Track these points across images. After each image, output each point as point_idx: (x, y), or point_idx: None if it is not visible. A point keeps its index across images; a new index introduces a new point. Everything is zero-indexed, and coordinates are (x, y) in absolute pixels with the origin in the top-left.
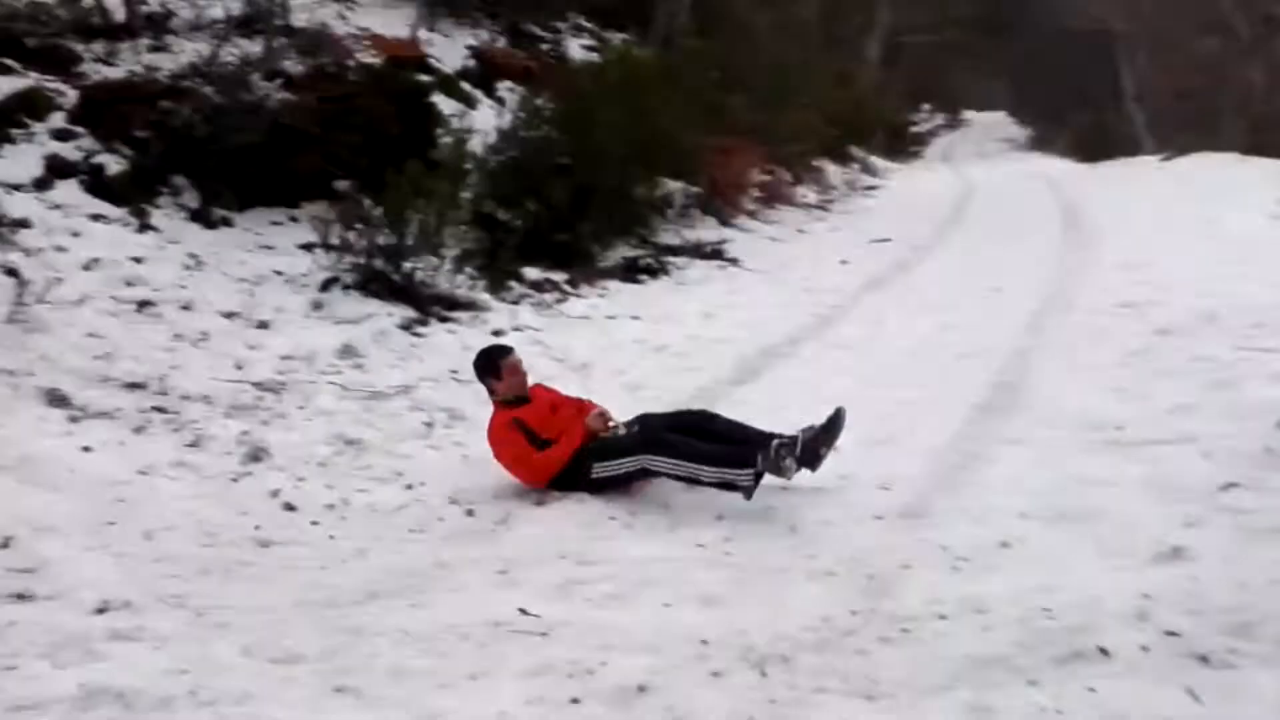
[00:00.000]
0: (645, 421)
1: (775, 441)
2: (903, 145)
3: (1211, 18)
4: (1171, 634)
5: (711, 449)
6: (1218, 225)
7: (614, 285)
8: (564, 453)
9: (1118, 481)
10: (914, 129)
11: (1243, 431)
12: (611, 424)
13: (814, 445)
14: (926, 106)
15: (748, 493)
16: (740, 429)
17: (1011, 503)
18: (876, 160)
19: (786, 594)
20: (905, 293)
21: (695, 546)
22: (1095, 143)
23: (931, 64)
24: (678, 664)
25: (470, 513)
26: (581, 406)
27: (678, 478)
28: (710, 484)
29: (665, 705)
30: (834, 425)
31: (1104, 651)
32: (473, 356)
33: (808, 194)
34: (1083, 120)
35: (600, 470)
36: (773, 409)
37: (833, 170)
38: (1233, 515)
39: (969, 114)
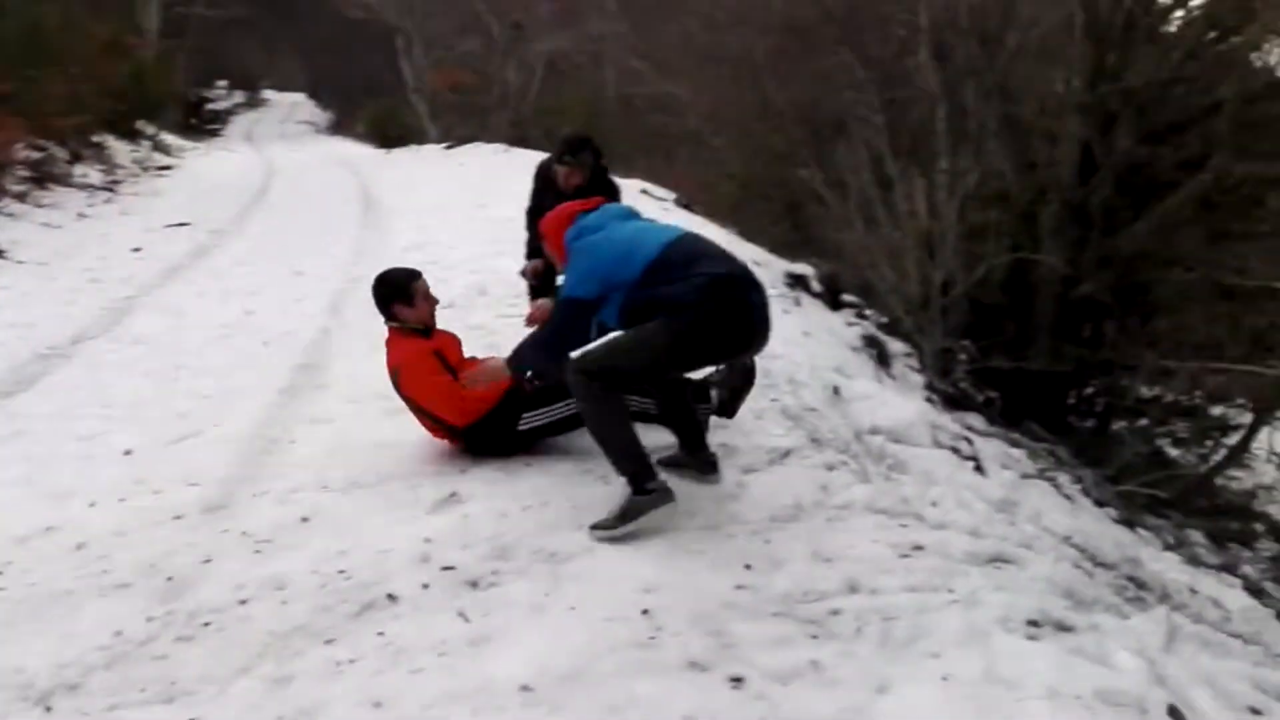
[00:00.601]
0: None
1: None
2: (199, 123)
3: (469, 20)
4: (448, 568)
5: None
6: (486, 209)
7: None
8: (495, 390)
9: (403, 443)
10: (211, 106)
11: None
12: None
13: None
14: (223, 83)
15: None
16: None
17: (313, 479)
18: (170, 138)
19: (73, 618)
20: (207, 280)
21: None
22: (389, 129)
23: (222, 39)
24: None
25: None
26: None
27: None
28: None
29: None
30: (748, 375)
31: (392, 597)
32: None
33: (89, 174)
34: (377, 106)
35: (530, 420)
36: (59, 416)
37: (119, 148)
38: None
39: (269, 94)
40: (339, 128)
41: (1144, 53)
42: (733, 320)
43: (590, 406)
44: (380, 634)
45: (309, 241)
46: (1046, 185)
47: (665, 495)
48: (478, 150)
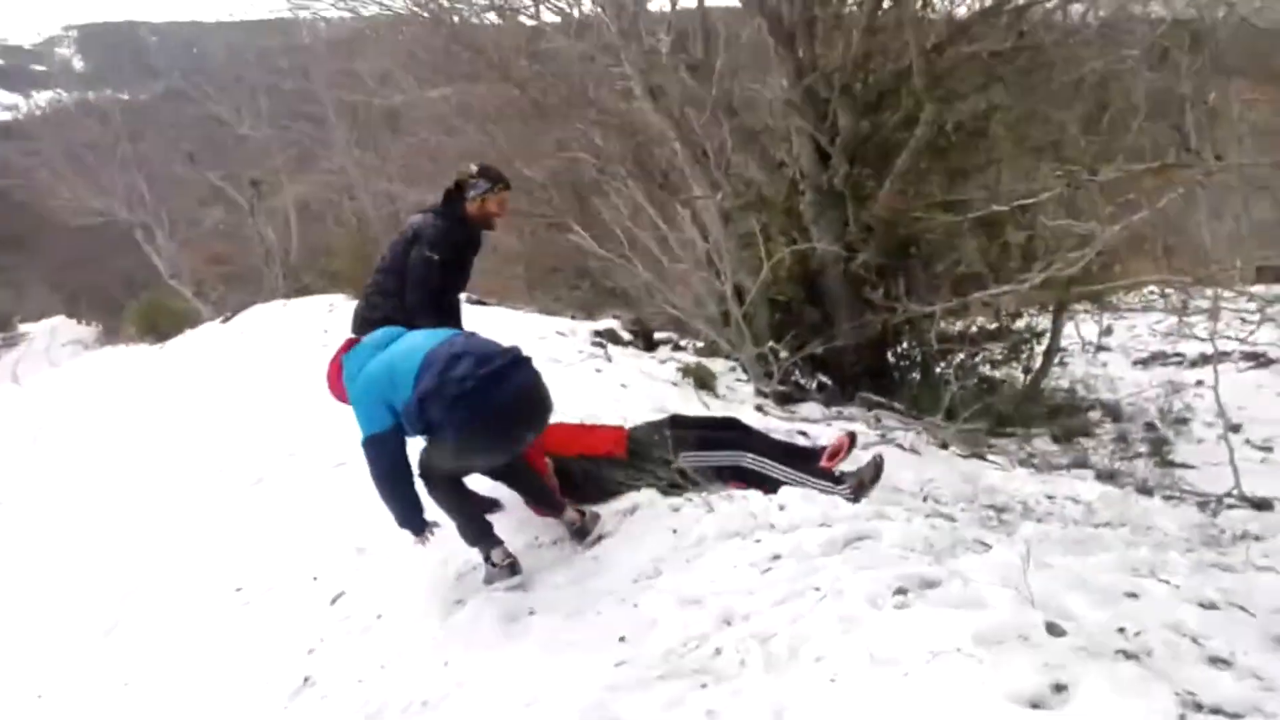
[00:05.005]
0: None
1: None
2: None
3: (205, 192)
4: None
5: (807, 468)
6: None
7: None
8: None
9: None
10: None
11: None
12: None
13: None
14: None
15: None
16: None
17: None
18: None
19: None
20: None
21: None
22: (160, 322)
23: None
24: None
25: None
26: None
27: (784, 482)
28: (816, 489)
29: None
30: (878, 469)
31: None
32: None
33: None
34: (140, 304)
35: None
36: None
37: None
38: None
39: (25, 326)
40: (110, 336)
41: (830, 39)
42: (490, 418)
43: (436, 496)
44: None
45: None
46: (794, 179)
47: (509, 570)
48: (255, 314)
